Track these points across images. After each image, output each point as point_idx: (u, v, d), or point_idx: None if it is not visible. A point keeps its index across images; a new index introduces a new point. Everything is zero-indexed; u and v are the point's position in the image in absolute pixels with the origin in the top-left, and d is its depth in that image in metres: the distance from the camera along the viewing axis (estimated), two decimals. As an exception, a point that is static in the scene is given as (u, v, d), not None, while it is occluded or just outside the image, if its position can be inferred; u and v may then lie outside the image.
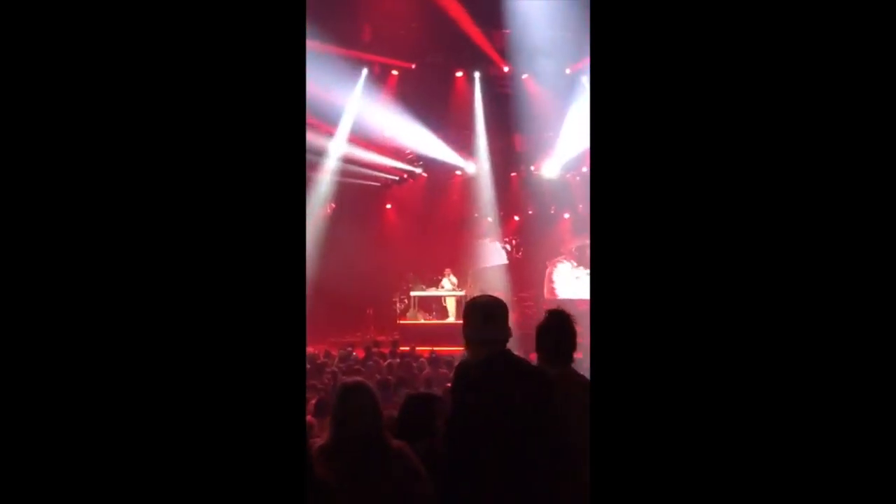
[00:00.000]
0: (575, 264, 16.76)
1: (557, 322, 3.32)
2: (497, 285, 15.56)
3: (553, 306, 3.68)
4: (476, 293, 15.09)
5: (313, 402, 5.79)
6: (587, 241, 16.41)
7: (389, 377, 7.04)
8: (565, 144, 15.63)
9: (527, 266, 16.80)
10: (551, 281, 16.98)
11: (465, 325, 2.98)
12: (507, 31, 14.42)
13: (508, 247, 16.81)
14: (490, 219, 17.02)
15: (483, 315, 2.96)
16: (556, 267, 17.04)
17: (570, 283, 16.74)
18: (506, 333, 2.96)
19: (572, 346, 3.33)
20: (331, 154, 15.02)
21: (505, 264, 16.88)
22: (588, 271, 16.18)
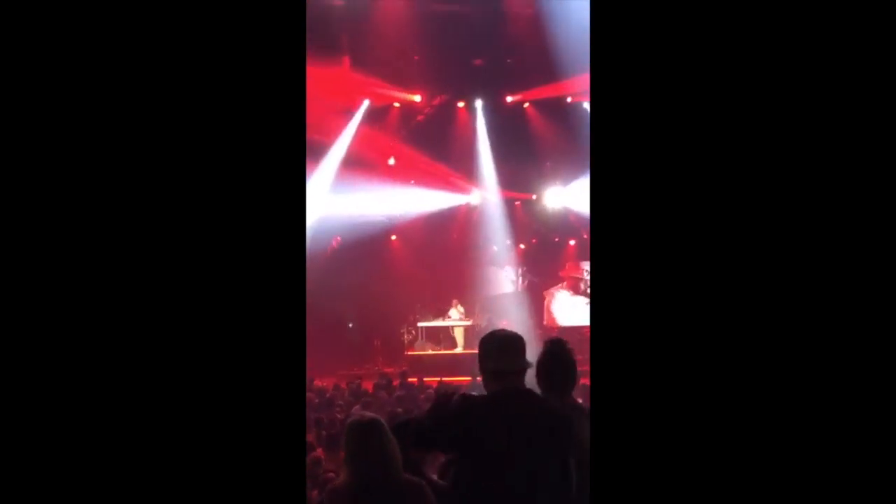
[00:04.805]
0: (571, 293, 16.73)
1: (556, 351, 3.32)
2: (507, 314, 15.52)
3: (554, 335, 3.67)
4: (484, 323, 15.10)
5: (323, 434, 5.77)
6: (582, 270, 16.43)
7: (399, 409, 7.01)
8: (567, 172, 15.69)
9: (533, 294, 16.78)
10: (550, 310, 16.94)
11: (481, 358, 2.99)
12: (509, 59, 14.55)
13: (515, 276, 16.78)
14: (496, 247, 17.01)
15: (499, 347, 2.97)
16: (553, 297, 17.02)
17: (569, 311, 16.70)
18: (523, 365, 2.96)
19: (572, 375, 3.32)
20: (333, 185, 15.07)
21: (513, 293, 16.83)
22: (584, 299, 16.17)
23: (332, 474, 3.26)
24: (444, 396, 2.98)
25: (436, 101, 15.83)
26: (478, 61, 14.51)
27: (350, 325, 15.89)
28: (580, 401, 3.34)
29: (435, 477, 3.32)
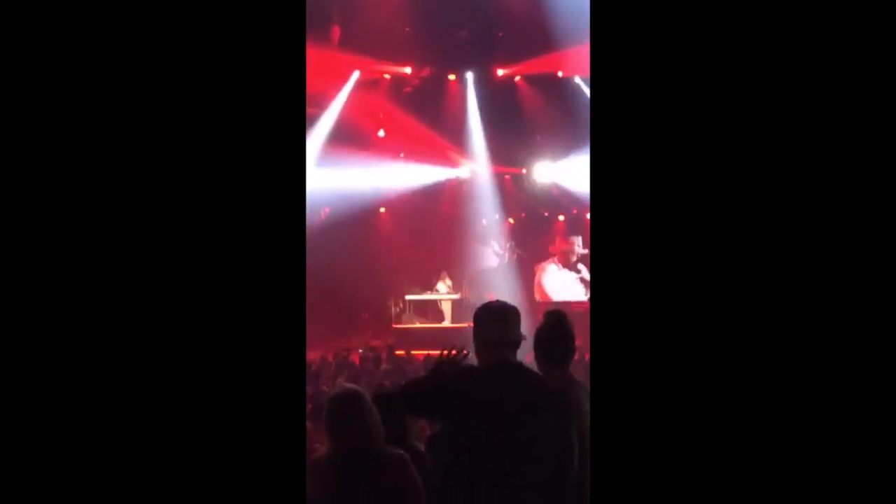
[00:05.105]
0: (560, 266, 16.74)
1: (556, 324, 3.31)
2: (495, 288, 15.54)
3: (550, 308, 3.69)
4: (472, 296, 15.12)
5: (309, 406, 5.76)
6: (573, 244, 16.45)
7: (385, 382, 7.01)
8: (557, 146, 15.65)
9: (522, 269, 16.79)
10: (541, 285, 16.95)
11: (474, 328, 2.98)
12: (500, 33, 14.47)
13: (504, 250, 16.77)
14: (485, 221, 17.00)
15: (494, 318, 2.96)
16: (544, 271, 17.02)
17: (559, 286, 16.72)
18: (517, 337, 2.95)
19: (571, 349, 3.32)
20: (322, 156, 14.99)
21: (501, 266, 16.84)
22: (574, 274, 16.20)
23: (318, 445, 3.25)
24: (443, 364, 2.96)
25: (426, 73, 15.73)
26: (462, 33, 14.41)
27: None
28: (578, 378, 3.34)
29: (422, 448, 3.32)
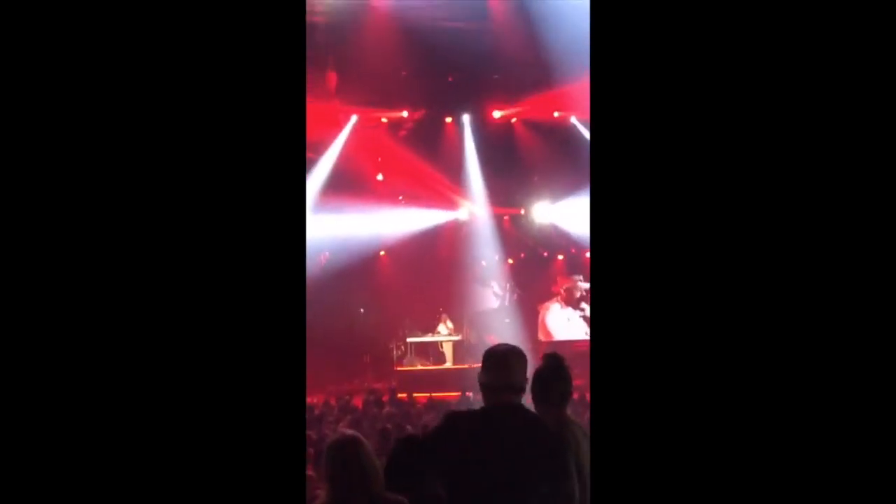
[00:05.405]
0: (563, 305, 16.72)
1: (553, 366, 3.33)
2: (495, 329, 15.50)
3: (549, 350, 3.70)
4: (473, 337, 15.08)
5: (311, 451, 5.72)
6: (576, 282, 16.45)
7: (388, 426, 6.98)
8: (555, 187, 15.73)
9: (522, 309, 16.76)
10: (545, 324, 16.92)
11: (481, 372, 2.99)
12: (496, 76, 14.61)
13: (504, 291, 16.76)
14: (484, 262, 17.01)
15: (499, 363, 2.97)
16: (547, 310, 17.00)
17: (563, 324, 16.69)
18: (521, 381, 2.96)
19: (568, 391, 3.34)
20: (321, 201, 15.05)
21: (501, 307, 16.82)
22: (578, 312, 16.17)
23: (319, 492, 3.22)
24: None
25: (423, 116, 15.85)
26: (450, 77, 14.57)
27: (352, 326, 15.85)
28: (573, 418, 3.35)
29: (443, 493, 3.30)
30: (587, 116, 12.54)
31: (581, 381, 3.47)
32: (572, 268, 16.72)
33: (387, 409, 8.95)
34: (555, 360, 3.36)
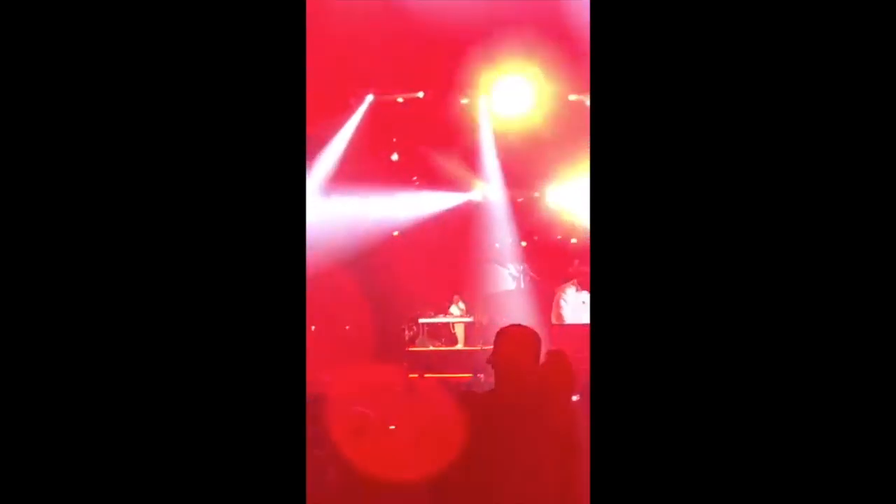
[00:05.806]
0: (578, 288, 16.68)
1: (559, 361, 3.39)
2: (508, 311, 15.50)
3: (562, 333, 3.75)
4: (485, 319, 15.08)
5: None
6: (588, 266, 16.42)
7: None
8: (570, 170, 15.66)
9: (536, 291, 16.75)
10: (559, 306, 16.91)
11: (493, 353, 2.99)
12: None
13: (517, 273, 16.76)
14: (498, 244, 17.00)
15: (511, 343, 2.97)
16: (564, 292, 16.96)
17: (577, 308, 16.66)
18: (535, 363, 2.97)
19: (570, 385, 3.39)
20: (336, 181, 15.06)
21: (514, 290, 16.82)
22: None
23: (330, 468, 3.25)
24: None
25: (439, 97, 15.79)
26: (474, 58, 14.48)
27: (346, 328, 15.90)
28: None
29: None
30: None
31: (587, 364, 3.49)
32: (586, 250, 16.68)
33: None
34: (556, 357, 3.40)
